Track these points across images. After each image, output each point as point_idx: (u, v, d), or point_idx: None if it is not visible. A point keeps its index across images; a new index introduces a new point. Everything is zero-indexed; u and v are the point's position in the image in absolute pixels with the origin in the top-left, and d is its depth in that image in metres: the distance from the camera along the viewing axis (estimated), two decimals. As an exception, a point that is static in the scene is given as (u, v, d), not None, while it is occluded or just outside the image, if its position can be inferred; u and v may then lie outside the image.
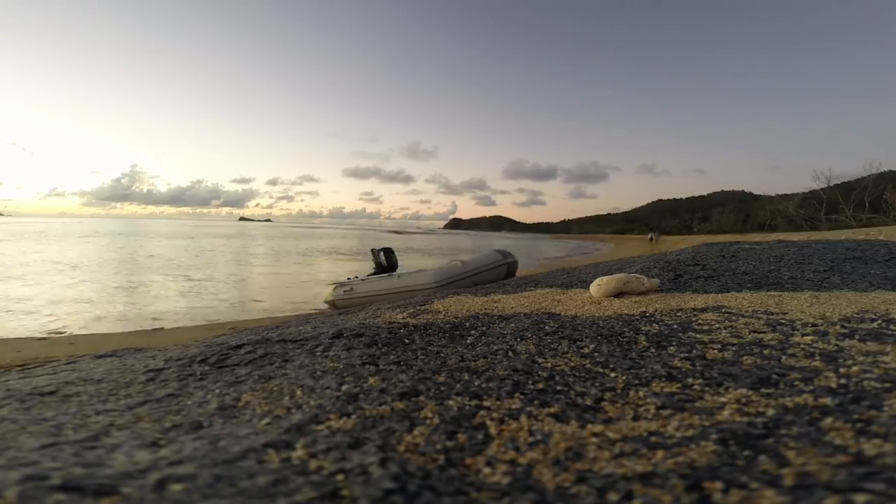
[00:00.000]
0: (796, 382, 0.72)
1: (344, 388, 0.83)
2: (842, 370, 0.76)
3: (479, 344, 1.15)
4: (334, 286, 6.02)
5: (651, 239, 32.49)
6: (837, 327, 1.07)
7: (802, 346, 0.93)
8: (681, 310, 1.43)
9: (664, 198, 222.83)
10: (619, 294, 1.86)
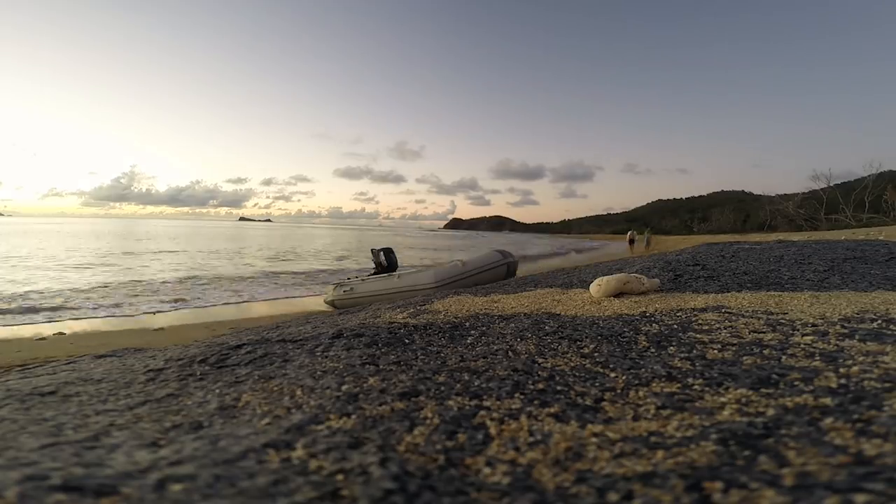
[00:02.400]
0: (796, 382, 0.72)
1: (344, 388, 0.83)
2: (842, 370, 0.76)
3: (479, 344, 1.15)
4: (334, 286, 6.02)
5: (632, 242, 18.27)
6: (837, 327, 1.07)
7: (802, 346, 0.93)
8: (681, 310, 1.43)
9: (664, 198, 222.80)
10: (619, 294, 1.86)
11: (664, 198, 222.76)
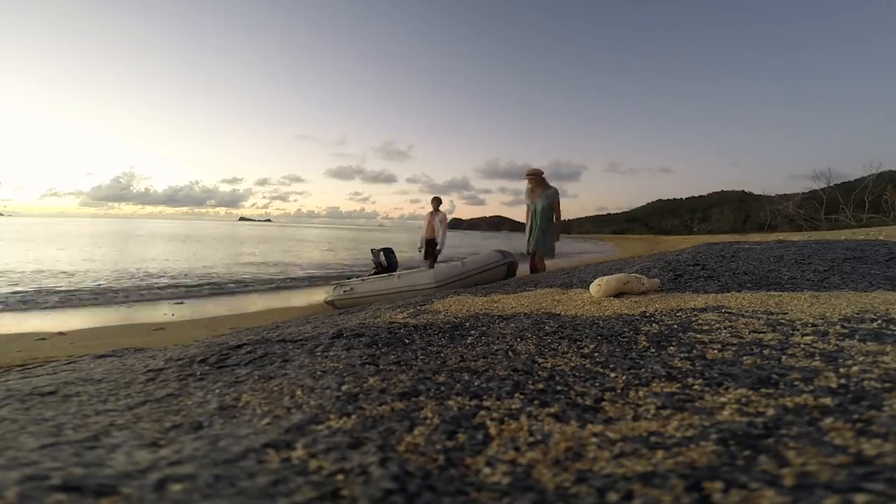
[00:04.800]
0: (796, 382, 0.72)
1: (344, 388, 0.83)
2: (842, 370, 0.76)
3: (479, 344, 1.15)
4: (334, 286, 6.03)
5: (427, 250, 6.27)
6: (837, 327, 1.07)
7: (802, 346, 0.93)
8: (681, 310, 1.43)
9: (664, 198, 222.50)
10: (619, 294, 1.86)
11: (664, 198, 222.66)
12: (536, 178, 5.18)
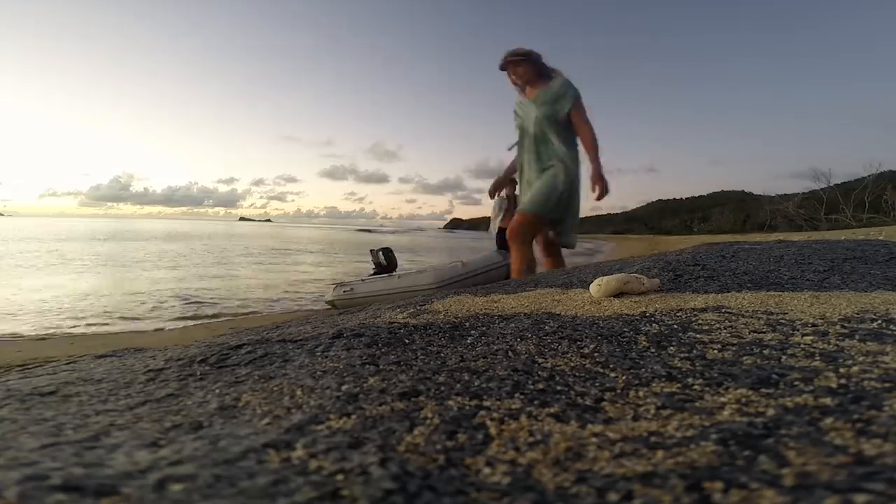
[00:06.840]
0: (796, 382, 0.72)
1: (344, 388, 0.83)
2: (842, 370, 0.76)
3: (479, 344, 1.15)
4: (335, 286, 6.05)
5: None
6: (837, 327, 1.07)
7: (802, 346, 0.93)
8: (681, 310, 1.43)
9: (664, 198, 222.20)
10: (619, 294, 1.86)
11: (664, 197, 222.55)
12: (525, 67, 2.90)
